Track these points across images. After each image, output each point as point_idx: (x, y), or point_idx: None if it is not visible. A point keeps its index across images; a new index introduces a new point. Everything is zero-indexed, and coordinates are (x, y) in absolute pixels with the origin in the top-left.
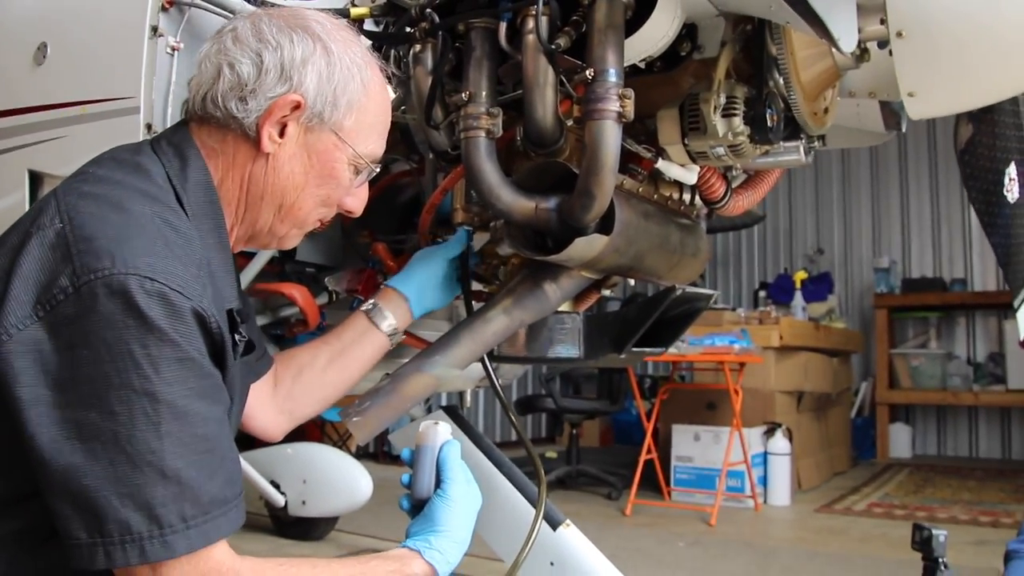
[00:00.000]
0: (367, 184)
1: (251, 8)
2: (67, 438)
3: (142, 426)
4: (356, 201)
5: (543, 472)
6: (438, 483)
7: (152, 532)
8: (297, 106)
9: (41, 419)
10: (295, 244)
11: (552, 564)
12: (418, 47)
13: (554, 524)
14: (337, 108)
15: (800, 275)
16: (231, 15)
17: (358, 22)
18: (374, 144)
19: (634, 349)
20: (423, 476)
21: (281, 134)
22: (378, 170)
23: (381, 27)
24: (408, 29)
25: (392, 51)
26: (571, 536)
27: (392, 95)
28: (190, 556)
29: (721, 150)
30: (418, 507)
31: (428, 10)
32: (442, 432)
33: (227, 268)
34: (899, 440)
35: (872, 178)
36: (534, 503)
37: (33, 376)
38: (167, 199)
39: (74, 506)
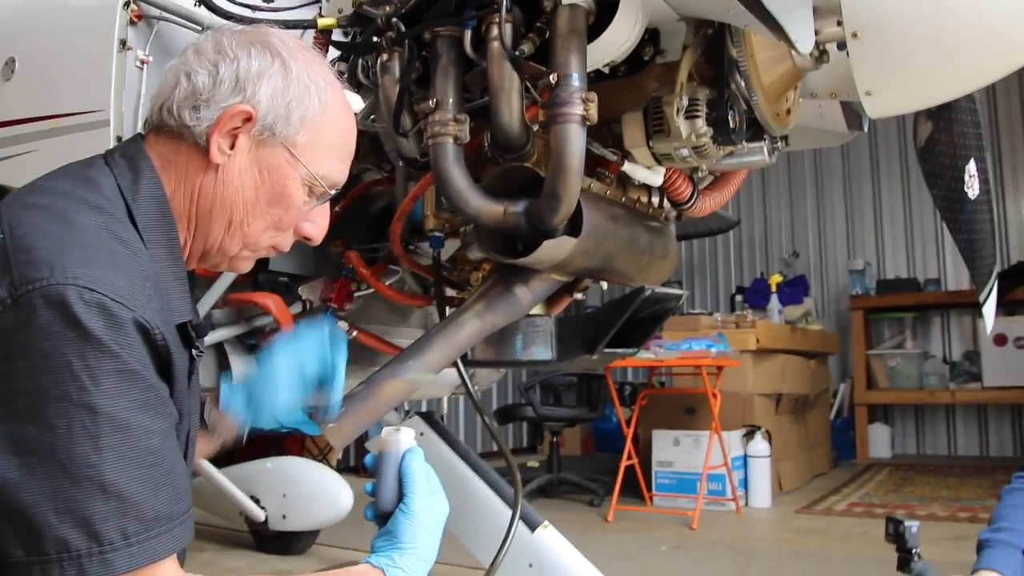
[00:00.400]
0: (327, 211)
1: (221, 21)
2: (3, 452)
3: (80, 439)
4: (315, 228)
5: (518, 473)
6: (402, 495)
7: (91, 549)
8: (248, 118)
9: None
10: (248, 268)
11: (531, 566)
12: (385, 56)
13: (532, 526)
14: (290, 123)
15: (775, 278)
16: (199, 28)
17: (326, 32)
18: (331, 166)
19: (606, 350)
20: (385, 486)
21: (232, 146)
22: (333, 193)
23: (349, 37)
24: (375, 38)
25: (360, 60)
26: (549, 537)
27: (360, 106)
28: (132, 575)
29: (685, 151)
30: (383, 517)
31: (394, 19)
32: (404, 438)
33: (180, 282)
34: (878, 440)
35: (845, 181)
36: (512, 506)
37: None
38: (114, 210)
39: (10, 523)
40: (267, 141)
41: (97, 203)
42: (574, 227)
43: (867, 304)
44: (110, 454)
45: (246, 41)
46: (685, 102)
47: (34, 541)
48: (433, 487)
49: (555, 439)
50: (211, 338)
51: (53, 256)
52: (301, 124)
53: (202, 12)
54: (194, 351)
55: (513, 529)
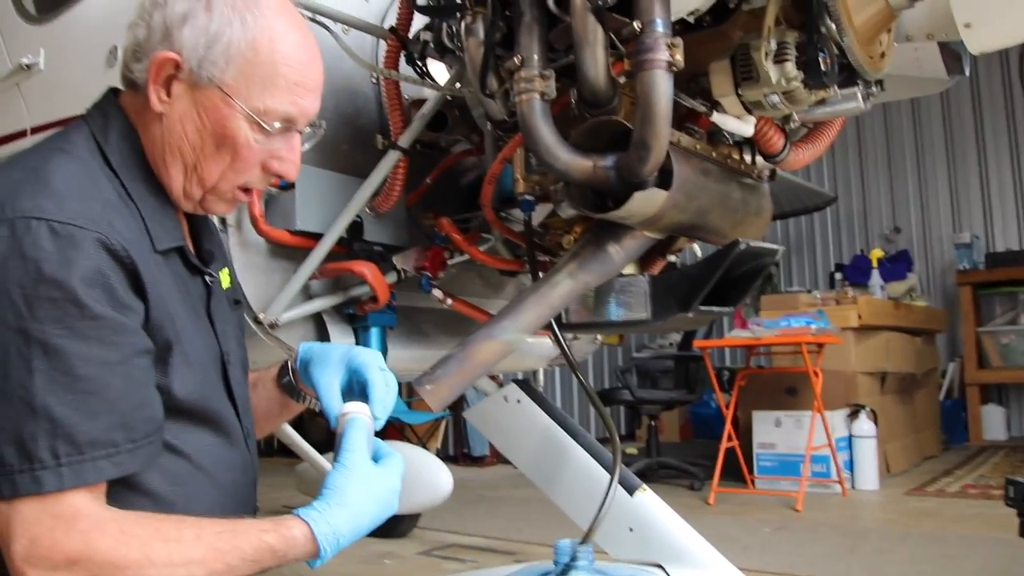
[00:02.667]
0: (296, 145)
1: None
2: None
3: (15, 363)
4: (284, 164)
5: (617, 436)
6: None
7: (23, 466)
8: (176, 64)
9: None
10: (224, 211)
11: (631, 530)
12: (469, 18)
13: (631, 489)
14: (213, 63)
15: (876, 253)
16: None
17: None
18: (275, 100)
19: (702, 308)
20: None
21: (168, 94)
22: (303, 129)
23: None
24: (458, 1)
25: (444, 26)
26: (648, 501)
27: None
28: (47, 497)
29: (776, 98)
30: None
31: None
32: (352, 408)
33: (166, 212)
34: (993, 422)
35: (948, 150)
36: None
37: None
38: (79, 151)
39: None
40: (200, 84)
41: (63, 147)
42: (664, 180)
43: (976, 279)
44: (40, 377)
45: None
46: (773, 46)
47: None
48: (386, 456)
49: (653, 423)
50: (309, 308)
51: (5, 196)
52: (226, 62)
53: None
54: (206, 277)
55: (612, 491)
